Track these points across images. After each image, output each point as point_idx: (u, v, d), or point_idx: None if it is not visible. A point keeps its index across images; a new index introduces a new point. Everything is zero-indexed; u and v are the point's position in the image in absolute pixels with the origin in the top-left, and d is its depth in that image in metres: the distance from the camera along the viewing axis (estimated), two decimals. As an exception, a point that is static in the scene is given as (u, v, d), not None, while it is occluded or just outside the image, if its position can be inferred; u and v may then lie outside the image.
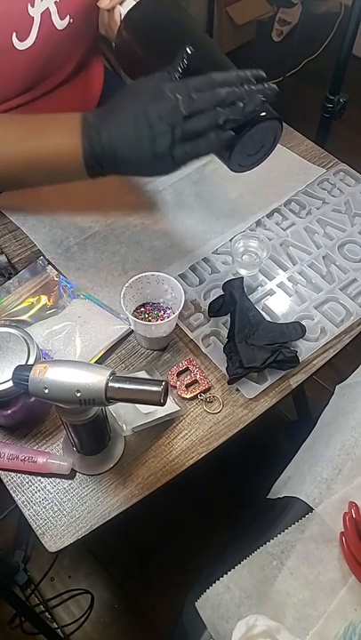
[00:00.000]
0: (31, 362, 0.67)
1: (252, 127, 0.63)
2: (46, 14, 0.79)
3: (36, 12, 0.78)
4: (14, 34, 0.77)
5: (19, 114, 0.86)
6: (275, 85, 0.61)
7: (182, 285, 0.80)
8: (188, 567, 1.07)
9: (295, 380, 0.76)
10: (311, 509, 0.66)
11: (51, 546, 0.65)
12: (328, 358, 0.79)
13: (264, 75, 0.63)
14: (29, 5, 0.77)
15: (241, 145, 0.64)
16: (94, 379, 0.55)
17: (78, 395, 0.55)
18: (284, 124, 1.05)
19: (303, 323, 0.80)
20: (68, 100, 0.95)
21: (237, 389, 0.75)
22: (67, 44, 0.86)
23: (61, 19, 0.82)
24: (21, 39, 0.78)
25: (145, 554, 1.35)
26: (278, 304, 0.83)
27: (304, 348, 0.78)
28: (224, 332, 0.80)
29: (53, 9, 0.80)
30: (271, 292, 0.85)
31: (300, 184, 0.98)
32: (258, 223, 0.93)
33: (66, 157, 0.65)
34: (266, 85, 0.61)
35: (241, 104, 0.60)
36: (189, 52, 0.63)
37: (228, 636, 0.59)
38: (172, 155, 0.61)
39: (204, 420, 0.73)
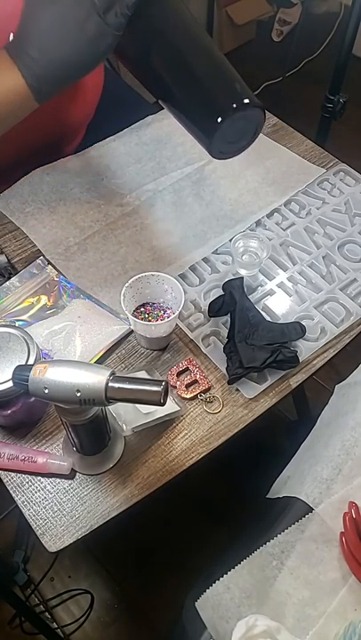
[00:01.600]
0: (31, 362, 0.67)
1: (233, 114, 0.63)
2: None
3: None
4: (11, 35, 0.76)
5: None
6: None
7: (182, 285, 0.80)
8: (188, 567, 1.08)
9: (295, 380, 0.76)
10: (311, 509, 0.66)
11: (51, 546, 0.65)
12: (328, 358, 0.79)
13: None
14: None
15: (221, 132, 0.64)
16: (94, 379, 0.55)
17: (78, 395, 0.55)
18: (284, 124, 1.06)
19: (303, 323, 0.80)
20: (68, 101, 0.95)
21: (237, 389, 0.75)
22: None
23: None
24: None
25: (145, 554, 1.35)
26: (278, 304, 0.83)
27: (304, 348, 0.78)
28: (224, 332, 0.80)
29: None
30: (271, 292, 0.85)
31: (300, 184, 0.98)
32: (258, 223, 0.93)
33: (13, 93, 0.64)
34: None
35: None
36: None
37: (228, 636, 0.59)
38: (108, 25, 0.61)
39: (204, 420, 0.73)
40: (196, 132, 0.68)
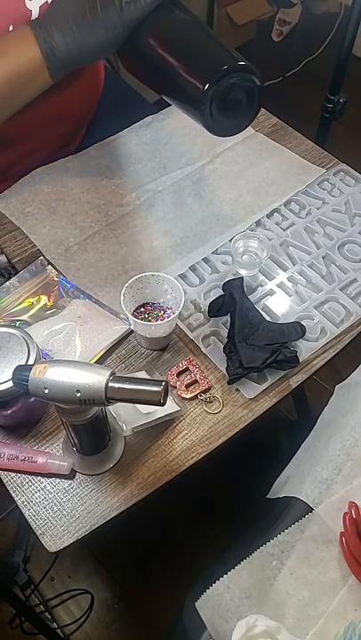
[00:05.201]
0: (31, 362, 0.67)
1: (218, 77, 0.62)
2: (45, 8, 0.79)
3: (34, 6, 0.77)
4: (11, 27, 0.77)
5: None
6: None
7: (182, 285, 0.80)
8: (188, 567, 1.08)
9: (295, 380, 0.76)
10: (311, 509, 0.66)
11: (51, 546, 0.65)
12: (328, 358, 0.79)
13: None
14: None
15: (211, 99, 0.63)
16: (94, 379, 0.55)
17: (78, 395, 0.55)
18: (284, 124, 1.06)
19: (303, 323, 0.80)
20: (69, 100, 0.94)
21: (237, 389, 0.75)
22: None
23: None
24: None
25: (145, 554, 1.35)
26: (278, 304, 0.83)
27: (304, 348, 0.78)
28: (224, 332, 0.80)
29: None
30: (271, 292, 0.85)
31: (300, 184, 0.98)
32: (258, 223, 0.93)
33: (29, 62, 0.69)
34: None
35: None
36: None
37: (228, 636, 0.59)
38: (123, 18, 0.64)
39: (204, 420, 0.73)
40: (191, 110, 0.67)
